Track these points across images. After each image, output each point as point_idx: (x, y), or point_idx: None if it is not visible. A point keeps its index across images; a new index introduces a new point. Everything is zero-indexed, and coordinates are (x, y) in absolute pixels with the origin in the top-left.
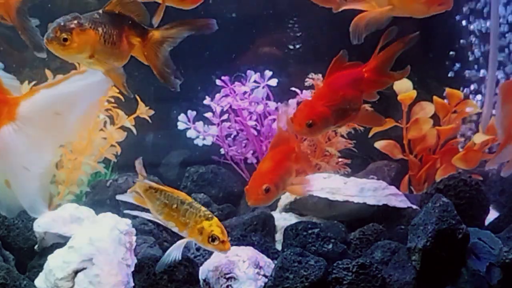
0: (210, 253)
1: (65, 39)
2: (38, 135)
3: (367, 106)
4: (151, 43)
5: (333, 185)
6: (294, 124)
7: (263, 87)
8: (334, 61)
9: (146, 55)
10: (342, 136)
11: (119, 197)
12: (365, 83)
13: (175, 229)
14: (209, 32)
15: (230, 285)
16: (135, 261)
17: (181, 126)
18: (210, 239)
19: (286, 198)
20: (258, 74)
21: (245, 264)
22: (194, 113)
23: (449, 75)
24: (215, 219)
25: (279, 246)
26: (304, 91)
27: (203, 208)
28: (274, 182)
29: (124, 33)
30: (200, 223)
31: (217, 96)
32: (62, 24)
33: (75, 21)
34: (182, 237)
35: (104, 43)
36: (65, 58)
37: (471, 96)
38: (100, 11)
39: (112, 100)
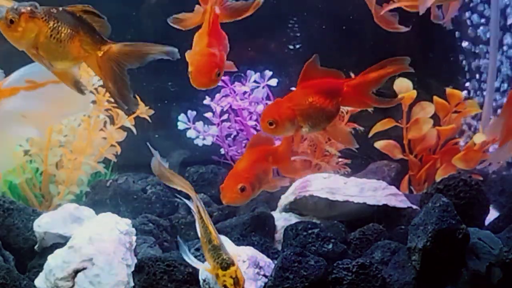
0: None
1: (11, 21)
2: None
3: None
4: (107, 56)
5: (333, 185)
6: (261, 120)
7: (263, 87)
8: (305, 66)
9: (100, 68)
10: None
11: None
12: (343, 97)
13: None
14: (171, 58)
15: None
16: (135, 261)
17: (181, 126)
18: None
19: (286, 198)
20: (258, 74)
21: (245, 264)
22: (194, 113)
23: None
24: (233, 268)
25: (279, 246)
26: None
27: (224, 255)
28: (250, 182)
29: (78, 37)
30: (217, 270)
31: (217, 96)
32: (15, 6)
33: (29, 8)
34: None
35: (50, 38)
36: (10, 41)
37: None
38: (61, 8)
39: (112, 100)
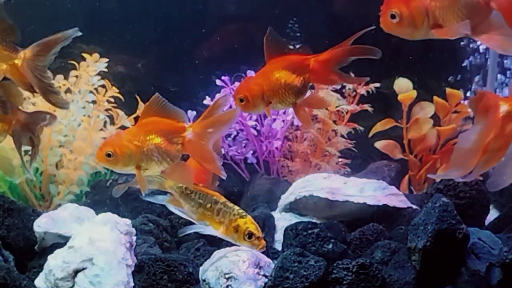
0: (210, 253)
1: None
2: None
3: (367, 106)
4: (26, 62)
5: (333, 185)
6: (233, 98)
7: None
8: (265, 41)
9: (23, 76)
10: (342, 136)
11: (148, 198)
12: (310, 73)
13: (208, 229)
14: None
15: (230, 285)
16: (135, 261)
17: None
18: (246, 236)
19: (286, 198)
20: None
21: (245, 264)
22: (194, 113)
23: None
24: (249, 217)
25: (279, 246)
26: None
27: (236, 207)
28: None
29: None
30: (235, 221)
31: (217, 96)
32: None
33: None
34: None
35: None
36: None
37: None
38: None
39: (112, 100)
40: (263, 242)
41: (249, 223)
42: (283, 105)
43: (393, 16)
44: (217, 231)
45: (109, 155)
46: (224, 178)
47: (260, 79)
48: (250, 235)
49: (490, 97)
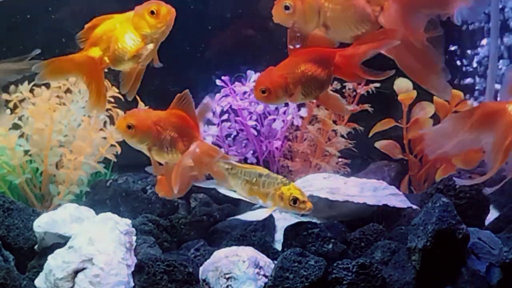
0: (210, 253)
1: None
2: None
3: (367, 106)
4: None
5: (333, 185)
6: (254, 89)
7: None
8: (289, 33)
9: None
10: (342, 136)
11: (199, 184)
12: (335, 66)
13: (260, 202)
14: None
15: (230, 285)
16: (135, 261)
17: None
18: (291, 202)
19: None
20: (258, 74)
21: (245, 264)
22: None
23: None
24: (293, 183)
25: (279, 246)
26: None
27: (280, 176)
28: None
29: None
30: (279, 190)
31: (217, 96)
32: None
33: None
34: None
35: None
36: None
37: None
38: None
39: (112, 100)
40: (309, 205)
41: (292, 189)
42: (305, 98)
43: (286, 7)
44: (266, 204)
45: (129, 127)
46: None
47: (284, 70)
48: (295, 200)
49: (491, 105)
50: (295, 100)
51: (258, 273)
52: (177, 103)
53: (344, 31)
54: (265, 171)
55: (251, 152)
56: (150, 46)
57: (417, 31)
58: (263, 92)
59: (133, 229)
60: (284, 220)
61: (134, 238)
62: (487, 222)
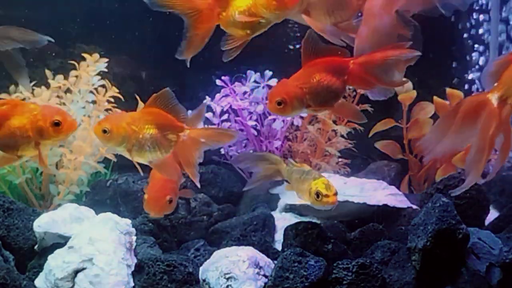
0: (210, 253)
1: None
2: None
3: (367, 106)
4: None
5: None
6: (268, 101)
7: (263, 87)
8: (304, 43)
9: None
10: (342, 136)
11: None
12: (349, 75)
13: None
14: None
15: (230, 285)
16: (135, 261)
17: None
18: (315, 196)
19: (286, 199)
20: (258, 74)
21: (245, 264)
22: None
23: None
24: (323, 178)
25: (279, 246)
26: None
27: (314, 172)
28: (175, 193)
29: None
30: (309, 185)
31: (217, 96)
32: None
33: None
34: None
35: None
36: None
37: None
38: None
39: (112, 100)
40: (333, 199)
41: (319, 183)
42: (321, 108)
43: (279, 103)
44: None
45: (104, 131)
46: (199, 187)
47: (299, 81)
48: (318, 194)
49: (472, 98)
50: (313, 111)
51: (258, 273)
52: (152, 102)
53: (324, 17)
54: (306, 167)
55: (251, 152)
56: (263, 24)
57: (401, 24)
58: (279, 104)
59: (133, 229)
60: (284, 220)
61: (134, 238)
62: (487, 222)
